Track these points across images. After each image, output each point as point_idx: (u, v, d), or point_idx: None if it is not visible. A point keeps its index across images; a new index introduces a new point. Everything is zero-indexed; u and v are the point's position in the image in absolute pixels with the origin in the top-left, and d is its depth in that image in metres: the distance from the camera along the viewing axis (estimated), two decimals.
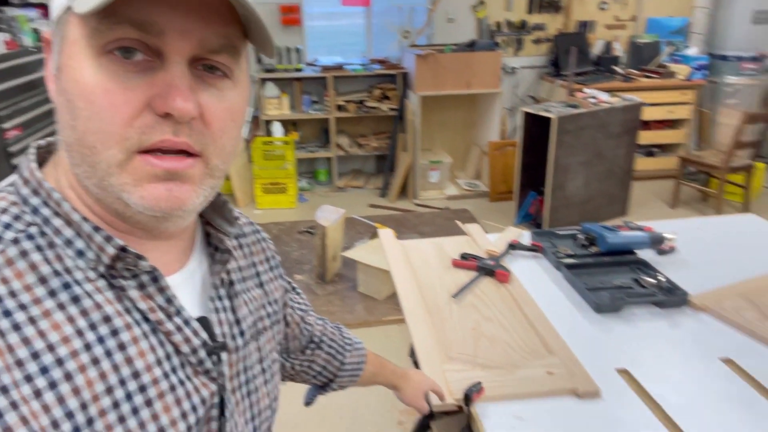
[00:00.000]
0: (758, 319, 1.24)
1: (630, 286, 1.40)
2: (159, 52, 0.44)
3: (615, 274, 1.46)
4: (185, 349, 0.51)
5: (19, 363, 0.41)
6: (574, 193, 3.59)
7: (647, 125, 4.38)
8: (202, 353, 0.53)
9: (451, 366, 1.09)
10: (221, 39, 0.46)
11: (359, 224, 3.62)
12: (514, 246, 1.57)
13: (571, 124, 3.36)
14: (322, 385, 0.94)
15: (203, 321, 0.55)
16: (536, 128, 3.52)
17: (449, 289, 1.37)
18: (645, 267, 1.47)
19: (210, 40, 0.46)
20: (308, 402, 0.95)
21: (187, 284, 0.56)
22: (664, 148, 4.80)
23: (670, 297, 1.31)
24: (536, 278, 1.46)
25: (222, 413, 0.55)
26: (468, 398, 0.98)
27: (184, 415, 0.50)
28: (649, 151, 4.74)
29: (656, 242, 1.53)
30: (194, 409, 0.51)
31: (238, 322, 0.60)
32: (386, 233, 1.68)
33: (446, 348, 1.15)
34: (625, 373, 1.10)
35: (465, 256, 1.50)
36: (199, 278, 0.58)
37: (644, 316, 1.29)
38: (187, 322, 0.52)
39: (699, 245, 1.63)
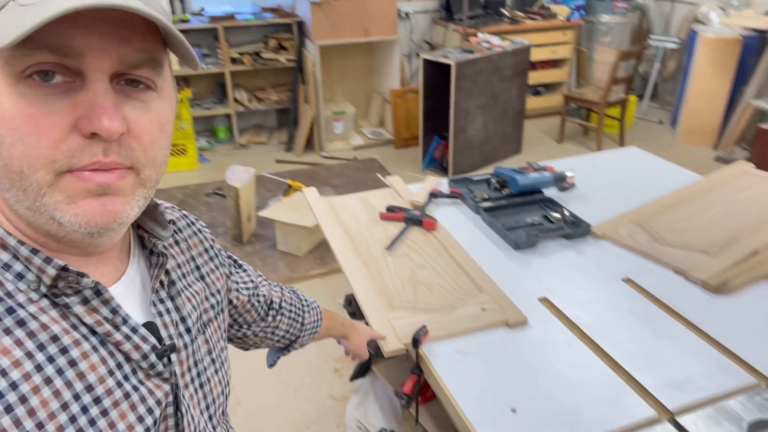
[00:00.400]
0: (649, 241, 1.43)
1: (541, 222, 1.54)
2: (78, 72, 0.44)
3: (527, 213, 1.60)
4: (135, 356, 0.53)
5: None
6: (474, 136, 3.77)
7: (533, 66, 4.64)
8: (153, 357, 0.54)
9: (395, 314, 1.17)
10: (140, 53, 0.47)
11: (269, 181, 3.57)
12: (435, 195, 1.66)
13: (469, 69, 3.48)
14: (284, 347, 0.98)
15: (150, 326, 0.56)
16: (435, 74, 3.61)
17: (381, 242, 1.44)
18: (551, 204, 1.63)
19: (129, 56, 0.46)
20: (272, 364, 1.00)
21: (129, 291, 0.57)
22: (549, 87, 5.12)
23: (576, 230, 1.47)
24: (458, 223, 1.56)
25: (178, 409, 0.57)
26: (416, 341, 1.06)
27: (140, 419, 0.52)
28: (536, 90, 5.04)
29: (559, 180, 1.69)
30: (150, 411, 0.53)
31: (183, 320, 0.62)
32: (311, 192, 1.70)
33: (388, 298, 1.22)
34: (545, 301, 1.24)
35: (391, 209, 1.56)
36: (139, 283, 0.59)
37: (555, 249, 1.44)
38: (134, 330, 0.53)
39: (594, 180, 1.82)
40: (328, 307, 2.44)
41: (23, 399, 0.44)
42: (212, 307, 0.69)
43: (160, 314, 0.59)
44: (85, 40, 0.43)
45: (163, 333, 0.58)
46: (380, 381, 1.73)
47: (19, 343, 0.45)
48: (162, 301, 0.60)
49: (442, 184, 1.77)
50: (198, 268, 0.69)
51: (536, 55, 4.50)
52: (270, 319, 0.91)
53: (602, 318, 1.18)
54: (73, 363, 0.47)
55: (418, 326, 1.11)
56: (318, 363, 2.15)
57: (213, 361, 0.66)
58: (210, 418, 0.64)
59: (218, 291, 0.71)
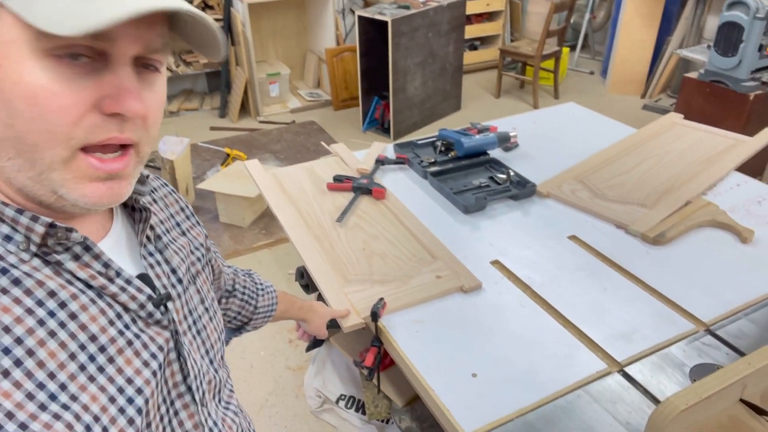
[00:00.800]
0: (590, 197, 1.48)
1: (488, 184, 1.56)
2: (104, 53, 0.46)
3: (473, 176, 1.61)
4: (133, 306, 0.54)
5: None
6: (414, 94, 3.73)
7: (468, 19, 4.61)
8: (150, 306, 0.56)
9: (351, 288, 1.16)
10: (161, 38, 0.49)
11: (205, 151, 3.43)
12: (381, 161, 1.64)
13: (406, 26, 3.41)
14: (236, 328, 0.99)
15: (143, 278, 0.58)
16: (372, 31, 3.53)
17: (331, 214, 1.41)
18: (497, 165, 1.64)
19: (154, 41, 0.49)
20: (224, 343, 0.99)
21: (118, 247, 0.58)
22: (485, 41, 5.13)
23: (522, 190, 1.50)
24: (407, 189, 1.56)
25: (180, 354, 0.60)
26: (375, 315, 1.06)
27: (146, 364, 0.54)
28: (472, 44, 5.03)
29: (503, 141, 1.70)
30: (154, 356, 0.55)
31: (173, 271, 0.63)
32: (253, 164, 1.63)
33: (343, 272, 1.21)
34: (497, 263, 1.26)
35: (338, 178, 1.53)
36: (126, 238, 0.61)
37: (503, 210, 1.46)
38: (128, 282, 0.54)
39: (535, 137, 1.85)
40: (278, 278, 2.42)
41: (30, 352, 0.45)
42: (198, 260, 0.71)
43: (151, 266, 0.60)
44: (121, 28, 0.44)
45: (157, 284, 0.59)
46: (336, 349, 1.73)
47: (17, 301, 0.45)
48: (151, 254, 0.61)
49: (388, 149, 1.75)
50: (178, 224, 0.71)
51: (470, 8, 4.47)
52: (224, 301, 0.92)
53: (551, 277, 1.21)
54: (73, 316, 0.48)
55: (375, 299, 1.10)
56: (272, 335, 2.13)
57: (206, 309, 0.68)
58: (211, 362, 0.67)
59: (201, 245, 0.73)
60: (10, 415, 0.42)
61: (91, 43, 0.44)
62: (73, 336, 0.48)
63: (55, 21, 0.41)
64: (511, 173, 1.56)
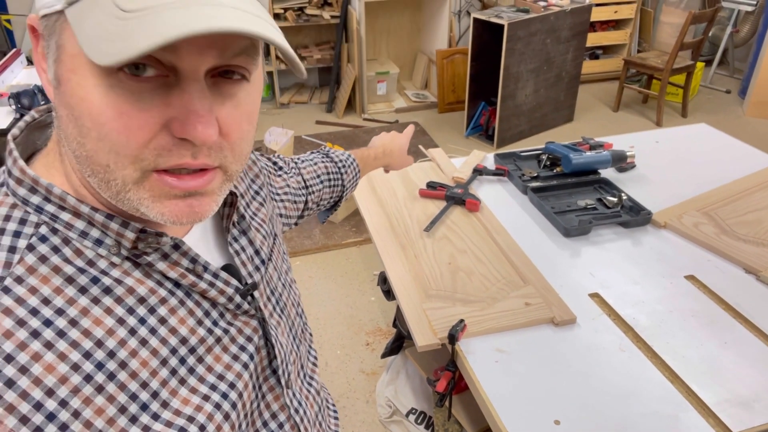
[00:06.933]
0: (716, 233, 1.29)
1: (595, 206, 1.41)
2: (172, 67, 0.39)
3: (579, 195, 1.47)
4: (221, 300, 0.53)
5: (75, 367, 0.42)
6: (523, 102, 3.57)
7: (593, 26, 4.34)
8: (237, 298, 0.55)
9: (431, 304, 1.09)
10: (243, 40, 0.42)
11: (308, 144, 3.50)
12: (479, 171, 1.55)
13: (522, 30, 3.26)
14: (330, 207, 1.01)
15: (228, 268, 0.56)
16: (486, 35, 3.41)
17: (420, 222, 1.34)
18: (608, 186, 1.49)
19: (234, 45, 0.41)
20: (323, 221, 1.04)
21: (203, 237, 0.57)
22: (608, 50, 4.80)
23: (635, 217, 1.34)
24: (503, 203, 1.45)
25: (267, 339, 0.59)
26: (453, 337, 0.98)
27: (235, 357, 0.54)
28: (594, 53, 4.73)
29: (618, 160, 1.54)
30: (243, 348, 0.55)
31: (257, 252, 0.62)
32: None
33: (424, 285, 1.14)
34: (597, 296, 1.13)
35: (432, 185, 1.46)
36: (211, 226, 0.59)
37: (610, 237, 1.32)
38: (216, 276, 0.53)
39: (656, 159, 1.66)
40: (362, 277, 2.39)
41: (123, 364, 0.45)
42: (273, 228, 0.69)
43: (237, 253, 0.59)
44: (186, 39, 0.36)
45: (243, 272, 0.59)
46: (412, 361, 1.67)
47: (109, 311, 0.45)
48: (236, 239, 0.60)
49: (488, 159, 1.65)
50: (257, 192, 0.68)
51: (596, 14, 4.19)
52: (312, 195, 0.91)
53: (660, 320, 1.06)
54: (163, 320, 0.48)
55: (455, 319, 1.03)
56: (350, 335, 2.11)
57: (284, 285, 0.67)
58: (294, 338, 0.67)
59: (272, 216, 0.72)
60: None
61: (157, 55, 0.38)
62: (164, 341, 0.48)
63: (95, 52, 0.36)
64: (624, 197, 1.41)
